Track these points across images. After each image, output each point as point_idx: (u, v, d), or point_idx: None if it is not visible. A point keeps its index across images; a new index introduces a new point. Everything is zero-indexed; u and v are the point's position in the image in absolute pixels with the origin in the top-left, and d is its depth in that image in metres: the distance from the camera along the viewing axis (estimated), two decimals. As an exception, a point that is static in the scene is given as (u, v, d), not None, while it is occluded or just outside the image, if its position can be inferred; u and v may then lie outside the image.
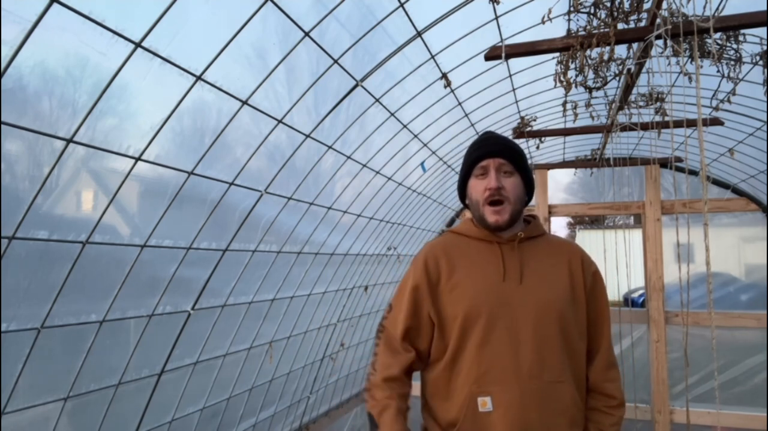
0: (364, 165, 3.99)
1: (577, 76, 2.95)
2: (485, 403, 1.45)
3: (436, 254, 1.61)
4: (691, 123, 3.47)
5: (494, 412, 1.44)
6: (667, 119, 3.85)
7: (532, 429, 1.43)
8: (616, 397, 1.55)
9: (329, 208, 4.04)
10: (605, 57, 2.64)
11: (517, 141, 4.84)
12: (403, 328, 1.57)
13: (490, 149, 1.56)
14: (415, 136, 4.14)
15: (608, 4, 2.52)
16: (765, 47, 2.90)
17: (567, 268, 1.57)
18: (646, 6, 2.51)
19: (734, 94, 3.29)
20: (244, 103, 2.58)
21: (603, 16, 2.59)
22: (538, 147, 5.25)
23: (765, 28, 2.74)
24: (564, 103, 3.84)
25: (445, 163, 5.11)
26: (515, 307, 1.49)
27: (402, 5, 2.67)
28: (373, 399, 1.53)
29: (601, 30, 2.57)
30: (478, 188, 1.57)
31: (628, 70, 3.14)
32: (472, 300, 1.51)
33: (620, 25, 2.54)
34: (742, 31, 2.81)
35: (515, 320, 1.48)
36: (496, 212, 1.53)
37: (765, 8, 2.29)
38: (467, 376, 1.48)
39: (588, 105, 3.90)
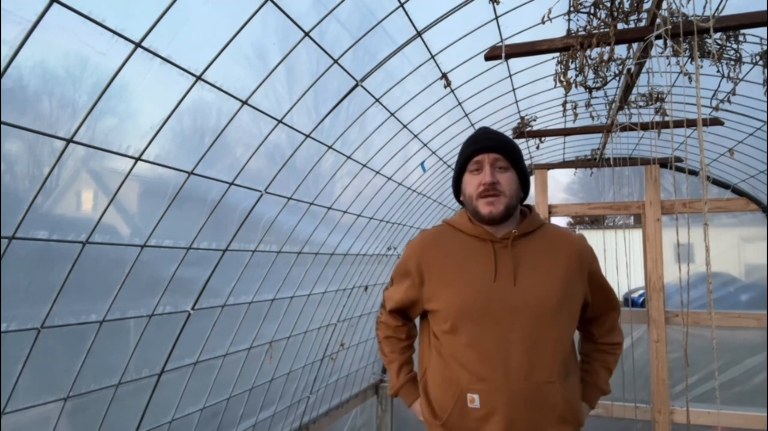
0: (364, 165, 3.99)
1: (577, 76, 2.95)
2: (473, 400, 1.49)
3: (425, 246, 1.65)
4: (691, 123, 3.47)
5: (481, 409, 1.48)
6: (667, 119, 3.84)
7: (519, 426, 1.46)
8: (619, 343, 1.74)
9: (329, 208, 4.04)
10: (605, 57, 2.64)
11: (517, 141, 4.85)
12: (395, 307, 1.74)
13: (484, 145, 1.55)
14: (415, 136, 4.14)
15: (608, 4, 2.52)
16: (765, 47, 2.90)
17: (564, 265, 1.55)
18: (646, 6, 2.51)
19: (734, 94, 3.28)
20: (244, 103, 2.58)
21: (603, 16, 2.58)
22: (538, 147, 5.25)
23: (765, 28, 2.73)
24: (564, 104, 3.83)
25: (445, 163, 5.10)
26: (507, 309, 1.48)
27: (402, 5, 2.67)
28: (381, 352, 1.83)
29: (601, 30, 2.56)
30: (472, 182, 1.56)
31: (628, 70, 3.14)
32: (462, 301, 1.52)
33: (620, 25, 2.54)
34: (742, 31, 2.80)
35: (506, 322, 1.48)
36: (490, 204, 1.52)
37: (765, 8, 2.28)
38: (459, 372, 1.52)
39: (588, 105, 3.90)
